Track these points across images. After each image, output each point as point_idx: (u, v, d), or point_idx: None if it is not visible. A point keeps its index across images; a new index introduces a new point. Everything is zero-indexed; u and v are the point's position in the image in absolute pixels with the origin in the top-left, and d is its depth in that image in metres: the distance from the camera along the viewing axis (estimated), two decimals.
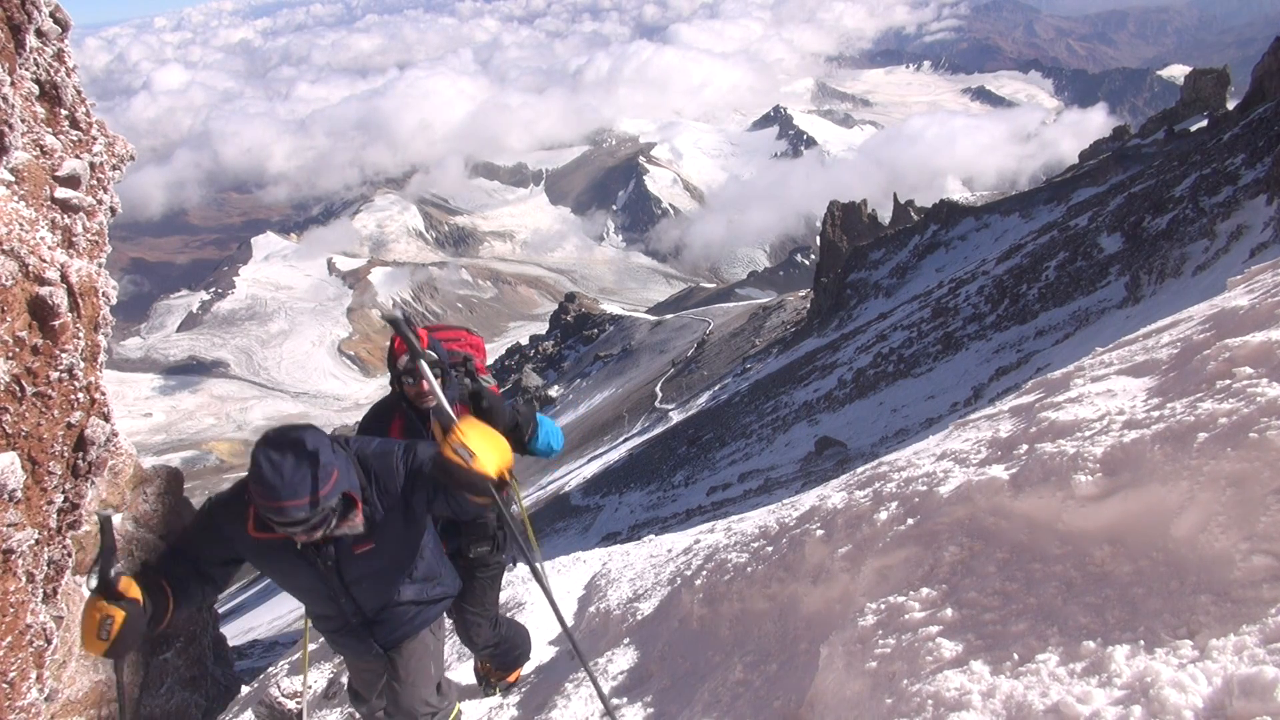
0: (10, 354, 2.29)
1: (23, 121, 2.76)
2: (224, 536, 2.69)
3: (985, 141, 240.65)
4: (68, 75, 3.17)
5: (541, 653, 4.60)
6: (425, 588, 3.08)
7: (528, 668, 4.47)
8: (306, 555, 2.74)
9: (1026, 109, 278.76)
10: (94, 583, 2.41)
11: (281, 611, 24.86)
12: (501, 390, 3.90)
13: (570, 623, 5.07)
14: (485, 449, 2.55)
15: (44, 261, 2.42)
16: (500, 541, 3.88)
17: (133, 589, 2.48)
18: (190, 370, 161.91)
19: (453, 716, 3.42)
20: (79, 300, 2.59)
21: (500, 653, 4.14)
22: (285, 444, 2.47)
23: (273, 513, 2.44)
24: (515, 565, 4.53)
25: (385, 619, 3.03)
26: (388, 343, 3.52)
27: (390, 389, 3.61)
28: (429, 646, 3.20)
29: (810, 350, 40.19)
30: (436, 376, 3.11)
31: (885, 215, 64.11)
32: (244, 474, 2.60)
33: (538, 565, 3.21)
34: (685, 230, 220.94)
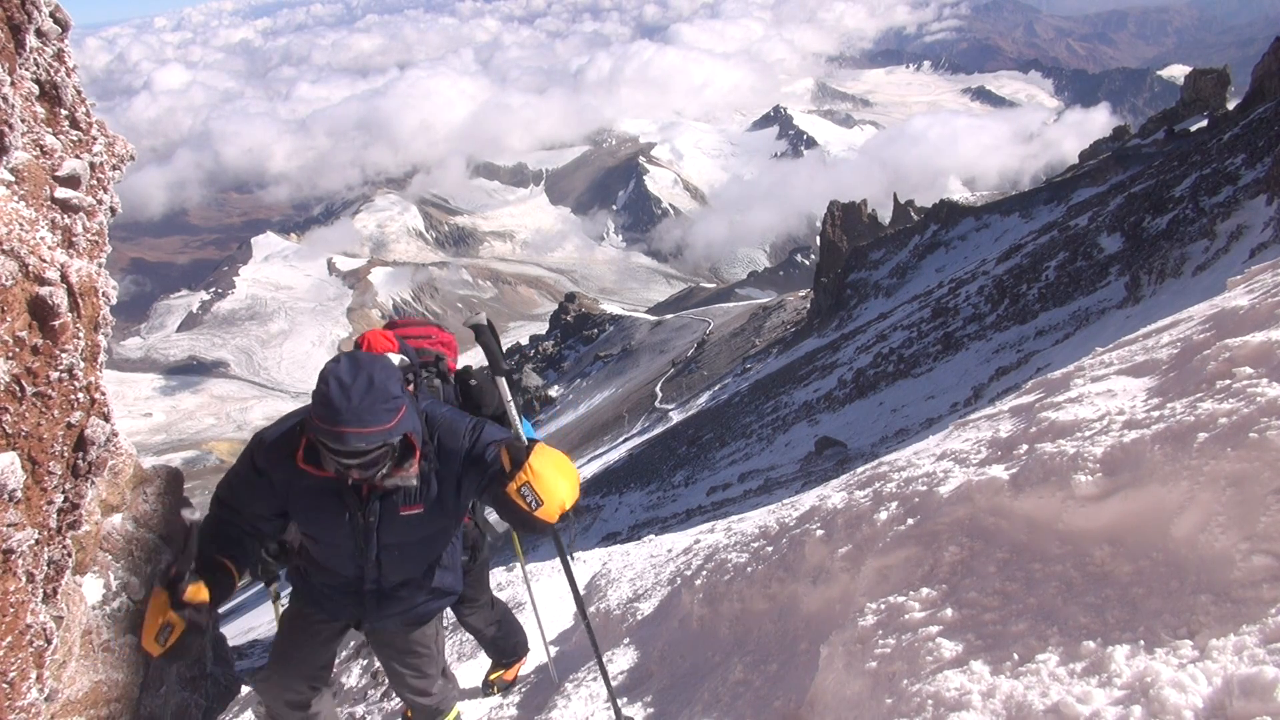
0: (10, 354, 2.29)
1: (23, 121, 2.76)
2: (268, 484, 2.54)
3: (989, 142, 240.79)
4: (68, 75, 3.17)
5: (542, 653, 4.60)
6: (444, 575, 2.94)
7: (527, 668, 4.46)
8: (349, 505, 2.56)
9: (1030, 109, 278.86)
10: (165, 583, 2.41)
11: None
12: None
13: (570, 623, 5.07)
14: (554, 493, 2.39)
15: (44, 261, 2.42)
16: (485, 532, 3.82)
17: (200, 593, 2.48)
18: (191, 370, 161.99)
19: (452, 717, 3.41)
20: (79, 300, 2.59)
21: (501, 635, 4.14)
22: (357, 368, 2.30)
23: (331, 439, 2.26)
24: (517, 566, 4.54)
25: (400, 596, 2.84)
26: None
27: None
28: (439, 632, 3.15)
29: (810, 350, 40.17)
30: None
31: (885, 215, 64.10)
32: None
33: (566, 557, 3.21)
34: (686, 230, 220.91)
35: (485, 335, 2.79)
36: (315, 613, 2.95)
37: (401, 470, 2.47)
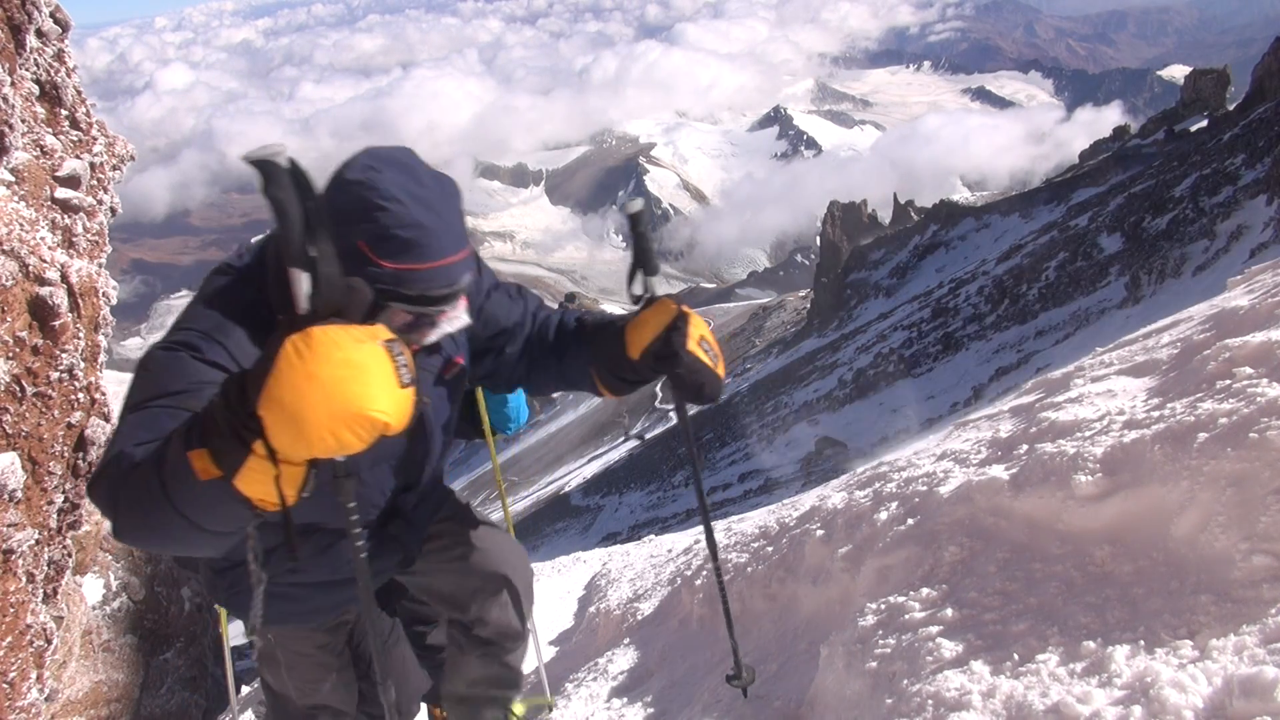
0: (10, 354, 2.29)
1: (23, 122, 2.76)
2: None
3: (1001, 142, 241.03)
4: (68, 75, 3.17)
5: (542, 653, 4.60)
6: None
7: (527, 667, 4.46)
8: None
9: (1041, 109, 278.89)
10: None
11: None
12: None
13: (570, 623, 5.07)
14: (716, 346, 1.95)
15: (44, 262, 2.42)
16: None
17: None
18: None
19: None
20: (79, 300, 2.59)
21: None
22: (409, 167, 1.57)
23: (432, 281, 1.54)
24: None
25: (421, 508, 2.07)
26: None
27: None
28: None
29: (810, 350, 40.18)
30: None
31: (887, 215, 64.10)
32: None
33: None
34: (689, 230, 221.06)
35: (642, 224, 2.02)
36: (309, 623, 2.14)
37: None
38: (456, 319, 1.69)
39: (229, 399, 1.21)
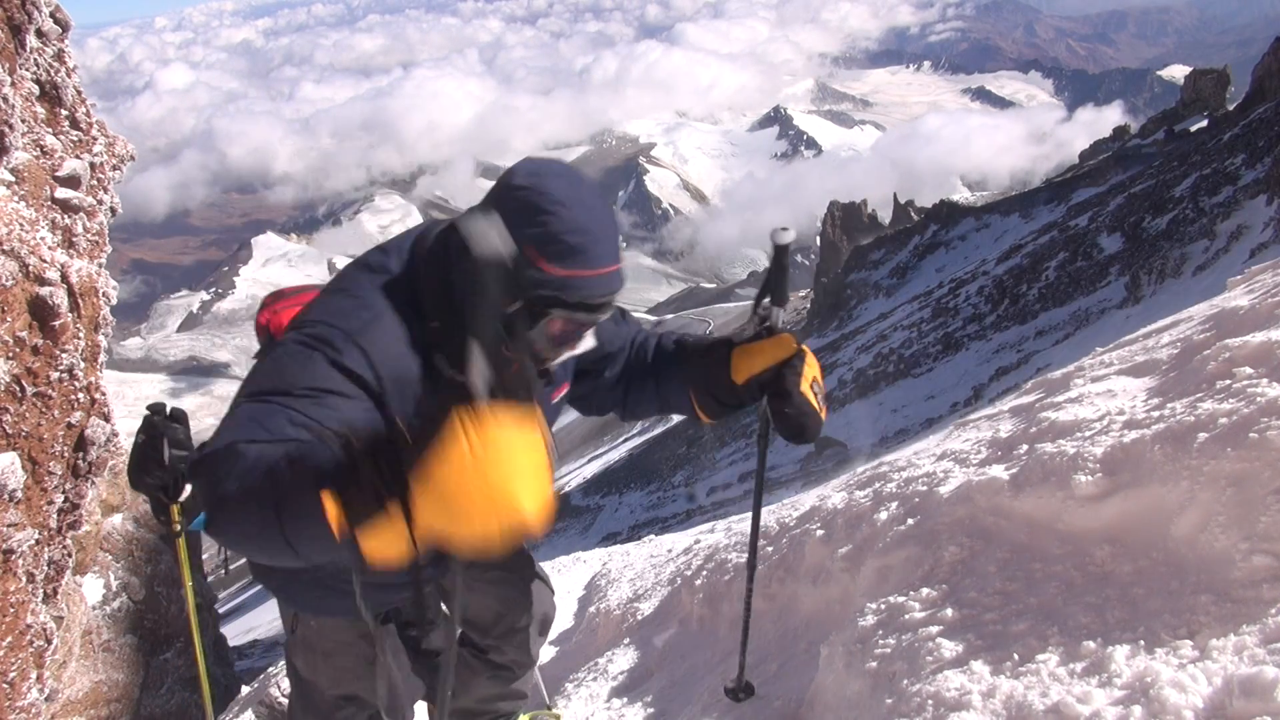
0: (10, 354, 2.29)
1: (23, 121, 2.76)
2: (367, 409, 1.52)
3: (1002, 142, 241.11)
4: (68, 75, 3.17)
5: (542, 653, 4.60)
6: None
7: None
8: None
9: (1042, 109, 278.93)
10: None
11: None
12: None
13: (570, 623, 5.07)
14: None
15: (44, 262, 2.42)
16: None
17: None
18: (196, 371, 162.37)
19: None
20: (79, 300, 2.59)
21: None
22: (568, 174, 1.58)
23: (597, 287, 1.54)
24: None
25: None
26: None
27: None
28: None
29: (810, 350, 40.20)
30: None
31: (887, 215, 64.10)
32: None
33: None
34: (689, 230, 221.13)
35: (786, 257, 1.94)
36: (351, 613, 1.94)
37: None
38: (588, 340, 1.69)
39: (380, 455, 1.15)
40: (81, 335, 2.59)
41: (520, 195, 1.52)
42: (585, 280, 1.52)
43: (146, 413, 2.40)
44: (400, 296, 1.58)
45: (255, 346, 2.64)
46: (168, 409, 2.45)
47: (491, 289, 1.30)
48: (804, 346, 1.88)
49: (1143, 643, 1.53)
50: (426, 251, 1.62)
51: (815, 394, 1.86)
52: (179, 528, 2.51)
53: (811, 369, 1.86)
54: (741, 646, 2.32)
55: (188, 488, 2.44)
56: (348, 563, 1.27)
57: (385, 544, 1.15)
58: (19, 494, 2.30)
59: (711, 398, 1.92)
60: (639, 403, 2.06)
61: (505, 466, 1.11)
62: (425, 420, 1.14)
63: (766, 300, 1.91)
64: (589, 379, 2.02)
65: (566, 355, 1.69)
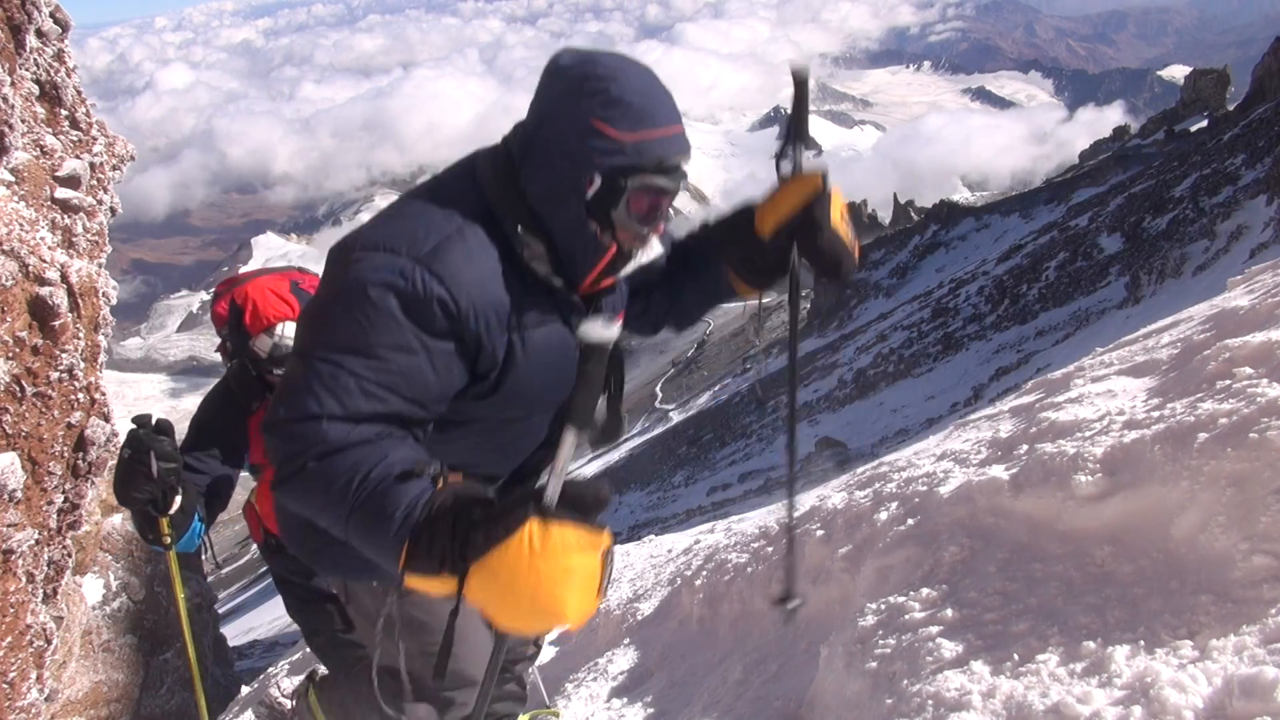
0: (10, 354, 2.29)
1: (23, 121, 2.76)
2: (471, 343, 1.46)
3: (1003, 142, 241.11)
4: (68, 75, 3.17)
5: (542, 653, 4.60)
6: None
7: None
8: (570, 320, 1.61)
9: (1044, 109, 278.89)
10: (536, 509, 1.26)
11: (281, 612, 24.84)
12: None
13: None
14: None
15: (44, 262, 2.42)
16: None
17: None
18: (194, 371, 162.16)
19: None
20: (79, 300, 2.59)
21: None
22: (619, 56, 1.53)
23: (665, 147, 1.49)
24: None
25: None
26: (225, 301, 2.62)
27: (235, 363, 2.63)
28: None
29: (810, 350, 40.18)
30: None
31: (886, 215, 64.09)
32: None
33: None
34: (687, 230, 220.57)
35: (804, 90, 1.80)
36: None
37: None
38: (656, 246, 1.65)
39: (451, 532, 1.24)
40: (81, 335, 2.59)
41: (574, 74, 1.48)
42: (656, 141, 1.49)
43: (132, 426, 2.38)
44: (470, 209, 1.50)
45: None
46: (153, 420, 2.43)
47: (568, 171, 1.35)
48: (828, 181, 1.72)
49: (1143, 643, 1.53)
50: (488, 162, 1.57)
51: (847, 225, 1.73)
52: (169, 541, 2.47)
53: (839, 201, 1.73)
54: (789, 553, 2.07)
55: (177, 500, 2.42)
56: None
57: (434, 589, 1.27)
58: (19, 494, 2.30)
59: (747, 265, 1.80)
60: (686, 305, 1.97)
61: (560, 574, 1.20)
62: (501, 511, 1.23)
63: (795, 147, 1.77)
64: (639, 299, 1.94)
65: (653, 240, 1.62)
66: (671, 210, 1.68)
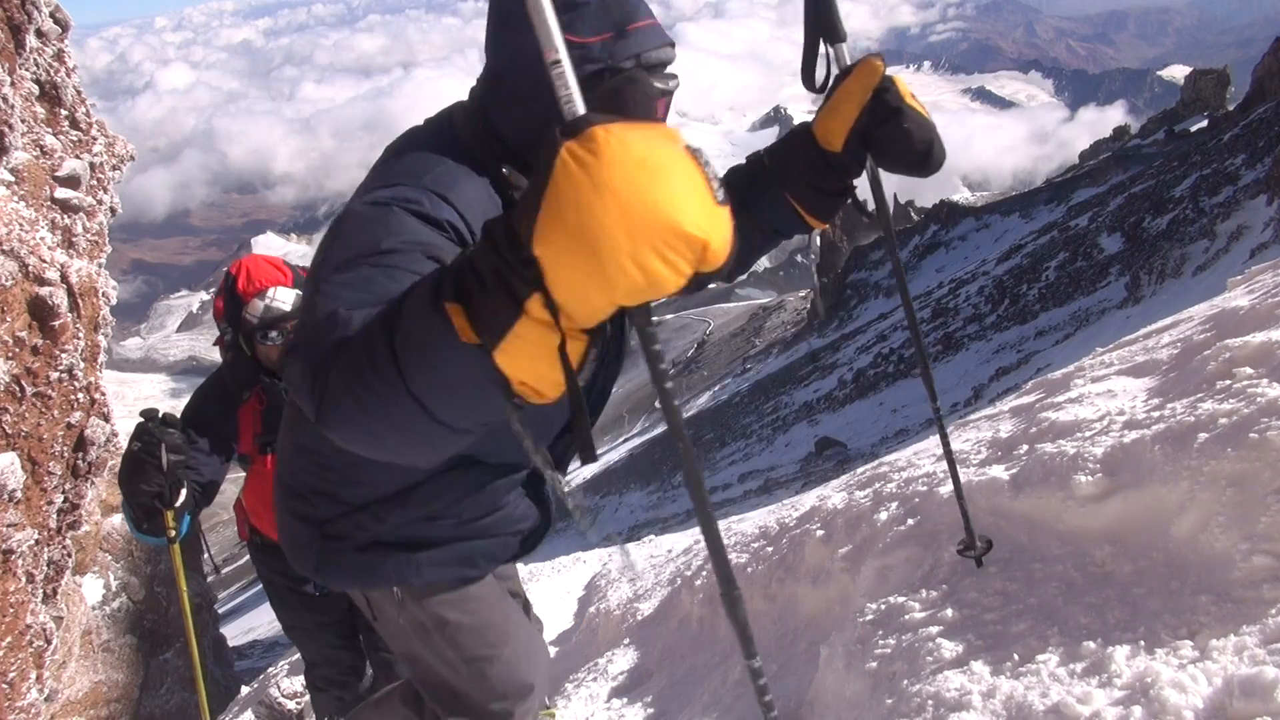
0: (10, 354, 2.29)
1: (23, 121, 2.76)
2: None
3: (1004, 142, 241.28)
4: (68, 75, 3.17)
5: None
6: None
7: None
8: None
9: (1045, 109, 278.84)
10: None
11: None
12: None
13: (570, 623, 5.07)
14: None
15: (44, 261, 2.42)
16: None
17: None
18: (194, 371, 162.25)
19: None
20: (79, 300, 2.59)
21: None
22: None
23: (639, 40, 1.37)
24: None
25: (566, 459, 1.80)
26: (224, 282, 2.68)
27: (230, 354, 2.71)
28: None
29: (810, 350, 40.18)
30: None
31: None
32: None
33: None
34: None
35: None
36: (480, 569, 1.78)
37: None
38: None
39: (494, 241, 0.89)
40: (81, 335, 2.59)
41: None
42: (631, 36, 1.34)
43: (140, 419, 2.40)
44: (458, 153, 1.40)
45: None
46: (160, 413, 2.44)
47: (540, 95, 1.06)
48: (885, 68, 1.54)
49: (1143, 643, 1.53)
50: (462, 115, 1.49)
51: (923, 105, 1.55)
52: (174, 534, 2.49)
53: (903, 84, 1.55)
54: (958, 496, 1.93)
55: (183, 493, 2.42)
56: (500, 417, 1.00)
57: (528, 354, 0.90)
58: (19, 494, 2.30)
59: (814, 190, 1.62)
60: (747, 245, 1.72)
61: (638, 174, 0.83)
62: (531, 181, 0.88)
63: (824, 44, 1.59)
64: None
65: None
66: None
